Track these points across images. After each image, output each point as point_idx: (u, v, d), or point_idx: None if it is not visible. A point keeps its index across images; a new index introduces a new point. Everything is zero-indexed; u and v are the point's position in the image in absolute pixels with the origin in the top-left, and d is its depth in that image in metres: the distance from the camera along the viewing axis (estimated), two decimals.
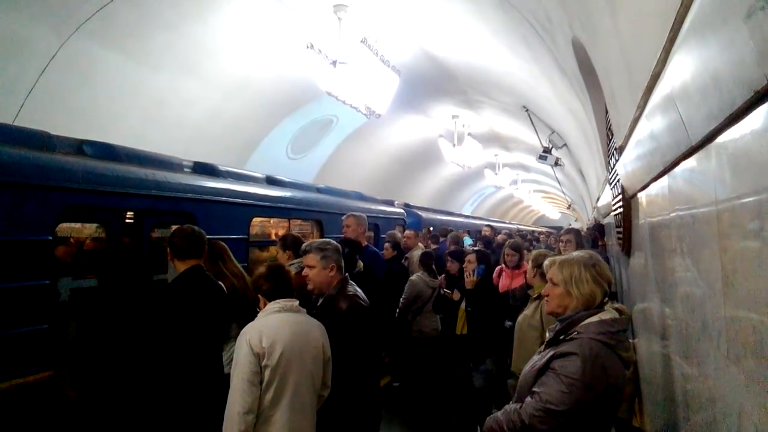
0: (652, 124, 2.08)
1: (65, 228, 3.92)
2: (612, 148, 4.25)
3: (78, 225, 4.04)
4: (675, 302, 2.33)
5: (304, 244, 3.50)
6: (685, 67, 1.46)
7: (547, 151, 10.61)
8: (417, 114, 12.24)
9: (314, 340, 2.84)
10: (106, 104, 6.71)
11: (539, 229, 28.67)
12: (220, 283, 3.41)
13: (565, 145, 10.04)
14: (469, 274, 4.80)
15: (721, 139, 1.37)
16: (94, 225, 4.07)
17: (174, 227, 4.63)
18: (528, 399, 2.18)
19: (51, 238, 3.35)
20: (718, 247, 1.49)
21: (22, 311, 3.12)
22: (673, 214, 2.18)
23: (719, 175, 1.45)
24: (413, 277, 6.26)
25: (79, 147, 4.01)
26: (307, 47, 6.43)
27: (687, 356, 2.07)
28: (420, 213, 12.34)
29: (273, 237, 6.84)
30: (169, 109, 7.64)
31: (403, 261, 6.96)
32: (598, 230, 7.91)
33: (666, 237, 2.39)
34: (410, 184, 17.35)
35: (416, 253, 7.06)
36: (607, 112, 4.36)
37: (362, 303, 3.35)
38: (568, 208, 29.81)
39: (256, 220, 5.95)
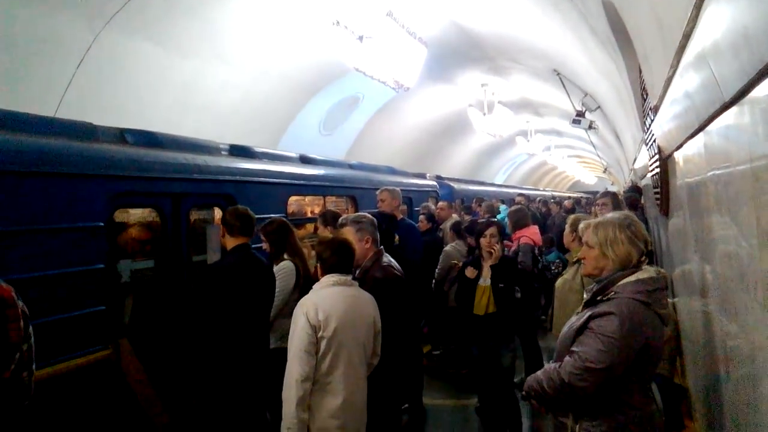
0: (686, 83, 2.08)
1: (120, 214, 4.09)
2: (647, 108, 4.19)
3: (132, 211, 4.22)
4: (713, 259, 2.35)
5: (340, 218, 3.60)
6: (715, 24, 1.47)
7: (580, 114, 10.41)
8: (445, 84, 12.14)
9: (367, 313, 2.97)
10: (138, 92, 6.91)
11: (575, 195, 28.22)
12: (261, 258, 3.54)
13: (599, 107, 9.85)
14: (496, 249, 4.29)
15: (754, 94, 1.38)
16: (145, 210, 4.24)
17: (216, 209, 4.88)
18: (567, 358, 2.23)
19: (103, 224, 3.53)
20: (754, 203, 1.52)
21: (80, 294, 3.32)
22: (710, 173, 2.19)
23: (753, 131, 1.46)
24: (447, 248, 6.32)
25: (121, 135, 4.17)
26: (333, 24, 6.44)
27: (726, 310, 2.10)
28: (452, 184, 12.33)
29: (309, 215, 6.97)
30: (199, 94, 7.81)
31: (438, 232, 7.02)
32: (636, 192, 7.79)
33: (704, 195, 2.39)
34: (441, 156, 17.28)
35: (450, 224, 7.11)
36: (640, 71, 4.29)
37: (397, 273, 3.45)
38: (604, 171, 29.23)
39: (293, 198, 6.07)
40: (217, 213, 4.89)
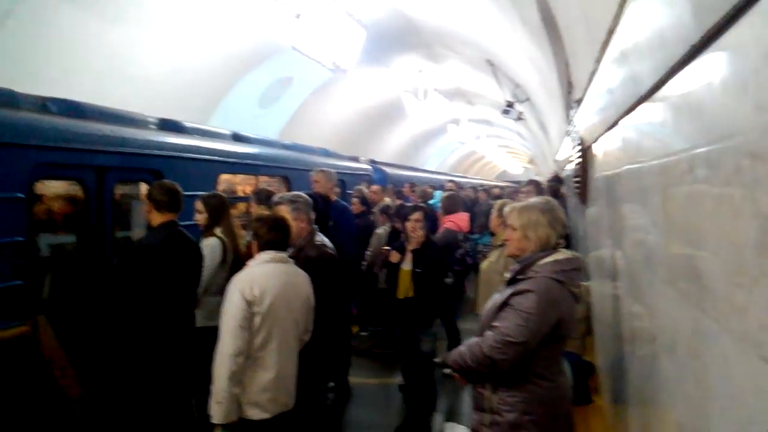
0: (608, 77, 2.23)
1: (42, 186, 3.88)
2: (572, 101, 4.42)
3: (53, 183, 4.00)
4: (625, 245, 2.54)
5: (275, 196, 3.59)
6: (635, 23, 1.60)
7: (510, 105, 10.76)
8: (382, 68, 12.17)
9: (302, 289, 3.01)
10: (63, 60, 6.50)
11: (502, 184, 29.12)
12: (188, 235, 3.46)
13: (528, 99, 10.21)
14: (418, 234, 4.28)
15: (665, 90, 1.52)
16: (68, 183, 4.04)
17: (142, 184, 4.71)
18: (488, 332, 2.37)
19: (24, 196, 3.35)
20: (663, 194, 1.67)
21: None
22: (625, 164, 2.36)
23: (663, 126, 1.61)
24: (378, 230, 6.42)
25: (44, 104, 3.95)
26: None
27: (633, 290, 2.29)
28: (385, 169, 12.44)
29: (240, 194, 6.86)
30: (127, 64, 7.44)
31: (370, 215, 7.10)
32: (557, 181, 8.18)
33: (619, 185, 2.58)
34: (375, 140, 17.35)
35: (380, 207, 7.20)
36: (567, 65, 4.50)
37: (331, 252, 3.50)
38: (530, 162, 30.33)
39: (224, 176, 5.96)
40: (144, 188, 4.73)
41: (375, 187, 8.02)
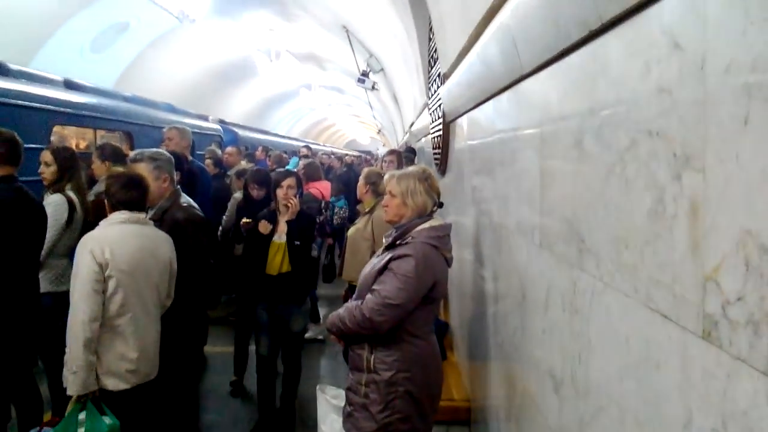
0: (486, 53, 2.35)
1: None
2: (435, 75, 4.59)
3: None
4: (491, 211, 2.75)
5: (134, 153, 3.28)
6: (526, 3, 1.70)
7: (365, 74, 10.87)
8: (231, 22, 11.55)
9: (162, 253, 2.82)
10: None
11: (353, 153, 29.56)
12: (32, 194, 3.05)
13: (382, 69, 10.40)
14: (293, 203, 3.88)
15: (551, 69, 1.65)
16: None
17: None
18: (369, 296, 2.44)
19: None
20: (539, 164, 1.83)
21: None
22: (497, 135, 2.54)
23: (545, 99, 1.75)
24: (237, 194, 6.19)
25: None
26: None
27: (500, 252, 2.50)
28: (237, 130, 11.97)
29: (75, 149, 6.14)
30: None
31: (225, 179, 6.80)
32: (411, 152, 8.51)
33: (490, 155, 2.76)
34: (224, 99, 16.53)
35: (235, 171, 6.93)
36: (431, 39, 4.65)
37: (199, 214, 3.32)
38: (378, 132, 31.10)
39: (57, 128, 5.30)
40: None
41: (231, 149, 7.69)
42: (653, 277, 1.04)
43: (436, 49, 4.29)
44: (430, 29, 4.52)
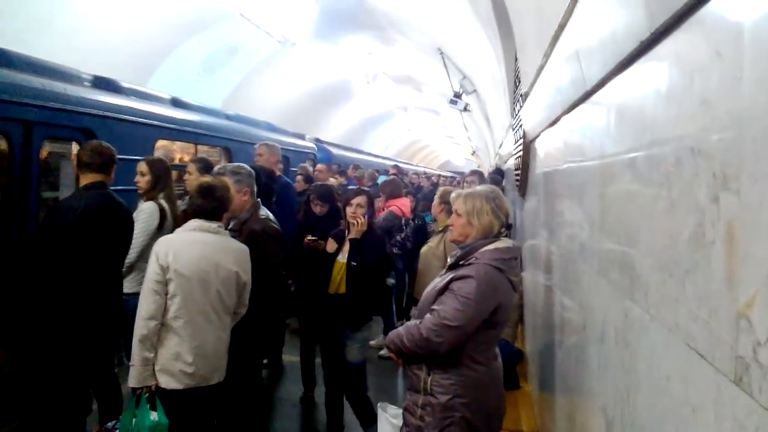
0: (555, 72, 2.27)
1: None
2: (518, 95, 4.49)
3: None
4: (560, 236, 2.62)
5: (217, 167, 3.48)
6: (587, 18, 1.62)
7: (457, 96, 10.85)
8: (332, 46, 11.99)
9: (225, 262, 2.89)
10: None
11: (445, 174, 29.53)
12: (118, 198, 3.29)
13: (474, 90, 10.33)
14: (359, 222, 3.66)
15: (611, 86, 1.55)
16: None
17: (73, 143, 4.45)
18: (427, 315, 2.40)
19: None
20: (598, 187, 1.72)
21: None
22: (566, 163, 2.42)
23: (605, 126, 1.65)
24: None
25: None
26: None
27: (566, 279, 2.37)
28: (331, 149, 12.34)
29: (178, 162, 6.62)
30: (65, 15, 6.99)
31: (309, 191, 7.01)
32: (499, 174, 8.35)
33: (557, 181, 2.65)
34: (321, 119, 17.14)
35: None
36: (516, 58, 4.57)
37: (275, 226, 3.43)
38: (473, 154, 30.83)
39: (161, 142, 5.73)
40: (76, 148, 4.48)
41: (321, 166, 7.94)
42: (692, 311, 0.94)
43: (519, 69, 4.21)
44: (515, 49, 4.44)
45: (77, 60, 6.80)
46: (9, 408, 3.56)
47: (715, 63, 0.87)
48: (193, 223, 2.85)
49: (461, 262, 2.47)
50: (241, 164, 3.55)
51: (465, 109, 11.76)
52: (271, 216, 3.56)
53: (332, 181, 7.72)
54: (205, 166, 4.42)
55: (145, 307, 2.67)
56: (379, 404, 3.04)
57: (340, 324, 3.76)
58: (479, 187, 2.73)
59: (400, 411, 2.77)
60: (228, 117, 7.71)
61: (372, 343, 5.01)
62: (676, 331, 1.01)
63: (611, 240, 1.56)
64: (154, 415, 2.62)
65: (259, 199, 3.55)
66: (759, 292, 0.71)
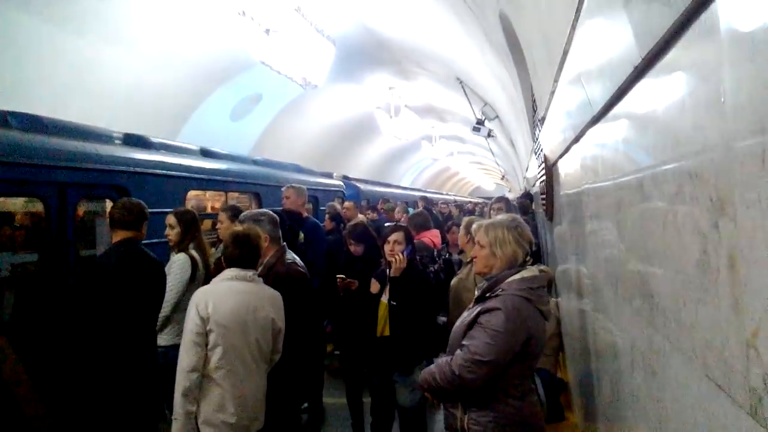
0: (565, 96, 2.26)
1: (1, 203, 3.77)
2: (536, 119, 4.48)
3: (13, 200, 3.88)
4: (588, 262, 2.57)
5: (242, 215, 3.55)
6: (586, 45, 1.62)
7: (480, 122, 10.89)
8: (353, 85, 12.24)
9: (262, 310, 2.93)
10: (25, 71, 6.40)
11: (475, 200, 29.40)
12: (149, 253, 3.39)
13: (497, 116, 10.35)
14: (398, 259, 3.53)
15: (616, 110, 1.54)
16: (28, 200, 3.94)
17: (107, 201, 4.61)
18: (458, 351, 2.36)
19: None
20: (617, 214, 1.69)
21: None
22: (584, 184, 2.40)
23: (614, 147, 1.63)
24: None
25: (3, 118, 3.85)
26: (239, 14, 6.31)
27: (596, 306, 2.31)
28: (358, 185, 12.45)
29: (209, 210, 6.77)
30: (94, 77, 7.34)
31: (343, 232, 7.06)
32: (527, 198, 8.28)
33: (578, 204, 2.61)
34: (348, 156, 17.37)
35: (350, 226, 7.17)
36: (531, 84, 4.58)
37: (301, 270, 3.46)
38: (502, 178, 30.68)
39: (192, 192, 5.88)
40: (109, 206, 4.64)
41: (348, 203, 8.00)
42: (707, 340, 0.91)
43: (534, 94, 4.21)
44: (529, 75, 4.46)
45: (110, 117, 7.12)
46: None
47: (701, 86, 0.86)
48: (230, 272, 2.90)
49: (488, 294, 2.44)
50: (263, 210, 3.61)
51: (489, 135, 11.78)
52: (297, 260, 3.60)
53: (361, 217, 7.77)
54: (236, 214, 4.51)
55: (186, 359, 2.68)
56: None
57: (390, 367, 3.62)
58: (500, 217, 2.71)
59: None
60: (255, 162, 7.89)
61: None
62: (694, 360, 0.98)
63: (631, 265, 1.52)
64: None
65: (284, 243, 3.59)
66: (762, 322, 0.69)
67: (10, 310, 3.69)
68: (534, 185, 7.36)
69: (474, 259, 2.66)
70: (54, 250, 3.86)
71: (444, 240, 6.81)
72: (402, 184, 22.75)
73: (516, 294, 2.36)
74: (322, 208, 8.53)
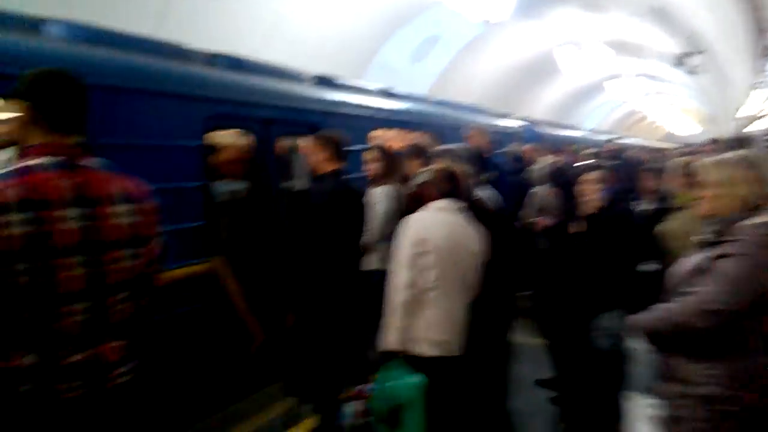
0: None
1: (213, 136, 4.17)
2: (764, 47, 3.75)
3: (224, 133, 4.29)
4: None
5: (436, 148, 3.55)
6: None
7: (683, 56, 9.63)
8: (535, 21, 11.53)
9: (468, 243, 2.97)
10: (229, 23, 7.06)
11: (668, 146, 26.65)
12: (352, 185, 3.56)
13: (703, 50, 9.05)
14: (591, 197, 3.51)
15: None
16: (236, 133, 4.32)
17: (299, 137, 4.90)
18: (688, 298, 2.14)
19: (200, 143, 3.63)
20: None
21: (181, 209, 3.44)
22: None
23: None
24: (534, 189, 6.10)
25: (212, 58, 4.22)
26: None
27: None
28: (539, 128, 11.88)
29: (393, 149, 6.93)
30: (289, 27, 7.90)
31: (524, 174, 6.79)
32: (738, 143, 7.21)
33: None
34: (528, 97, 16.66)
35: (536, 167, 6.84)
36: (759, 7, 3.82)
37: (487, 206, 3.39)
38: (701, 122, 27.30)
39: (373, 132, 6.03)
40: (302, 142, 4.93)
41: (528, 146, 7.68)
42: None
43: (765, 18, 3.50)
44: None
45: (303, 62, 7.62)
46: (269, 371, 4.03)
47: None
48: (439, 203, 2.97)
49: (720, 240, 2.16)
50: (460, 145, 3.57)
51: (692, 72, 10.39)
52: (484, 197, 3.52)
53: (549, 158, 7.37)
54: (417, 152, 4.53)
55: (403, 277, 2.79)
56: (629, 394, 2.82)
57: (587, 310, 3.58)
58: (729, 154, 2.35)
59: (653, 401, 2.53)
60: (435, 102, 7.87)
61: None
62: None
63: None
64: (412, 378, 2.73)
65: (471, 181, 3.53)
66: None
67: (226, 234, 4.13)
68: (748, 126, 6.35)
69: (699, 200, 2.35)
70: (259, 180, 4.21)
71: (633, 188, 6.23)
72: (586, 127, 21.34)
73: (755, 239, 2.06)
74: (500, 150, 8.29)
